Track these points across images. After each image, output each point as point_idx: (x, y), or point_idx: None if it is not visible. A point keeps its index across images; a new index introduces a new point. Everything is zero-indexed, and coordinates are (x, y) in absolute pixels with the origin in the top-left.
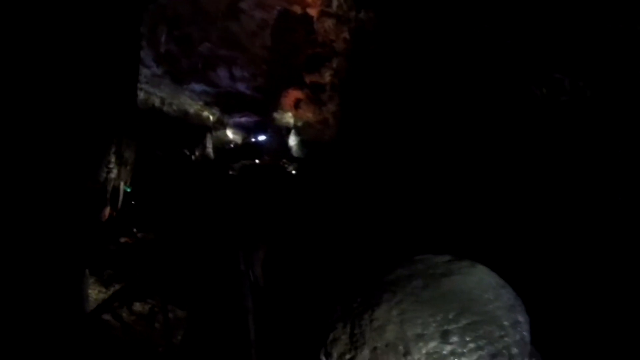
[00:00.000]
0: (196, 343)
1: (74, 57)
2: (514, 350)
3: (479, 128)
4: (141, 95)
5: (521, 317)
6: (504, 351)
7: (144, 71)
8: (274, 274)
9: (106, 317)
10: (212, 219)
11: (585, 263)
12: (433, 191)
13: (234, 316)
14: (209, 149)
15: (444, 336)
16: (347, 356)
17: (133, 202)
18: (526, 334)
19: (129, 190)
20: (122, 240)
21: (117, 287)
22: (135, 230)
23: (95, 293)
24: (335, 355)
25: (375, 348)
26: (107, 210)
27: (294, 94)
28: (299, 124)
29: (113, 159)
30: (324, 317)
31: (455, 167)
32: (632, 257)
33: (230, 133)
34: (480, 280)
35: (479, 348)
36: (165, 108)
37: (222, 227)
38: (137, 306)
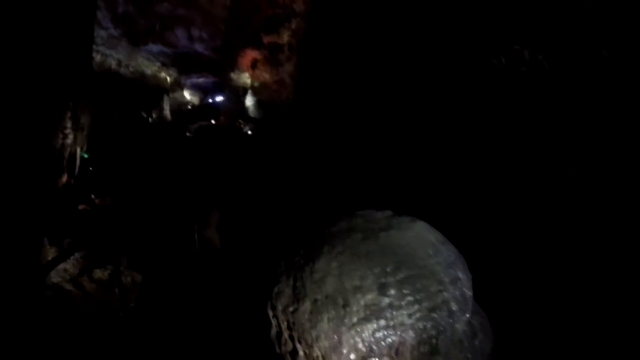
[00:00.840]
0: (152, 307)
1: (26, 20)
2: (454, 306)
3: (433, 93)
4: (97, 57)
5: (462, 274)
6: (443, 306)
7: (100, 33)
8: (229, 236)
9: (67, 286)
10: (168, 182)
11: (532, 225)
12: (384, 151)
13: (186, 280)
14: (166, 111)
15: (382, 289)
16: (290, 308)
17: (90, 169)
18: (467, 290)
19: (86, 156)
20: (80, 207)
21: (77, 255)
22: (93, 196)
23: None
24: (279, 307)
25: (315, 300)
26: (64, 178)
27: (251, 55)
28: (256, 84)
29: (69, 125)
30: (270, 272)
31: (408, 126)
32: (573, 210)
33: (187, 94)
34: (420, 236)
35: (416, 301)
36: (122, 70)
37: (177, 191)
38: (98, 273)
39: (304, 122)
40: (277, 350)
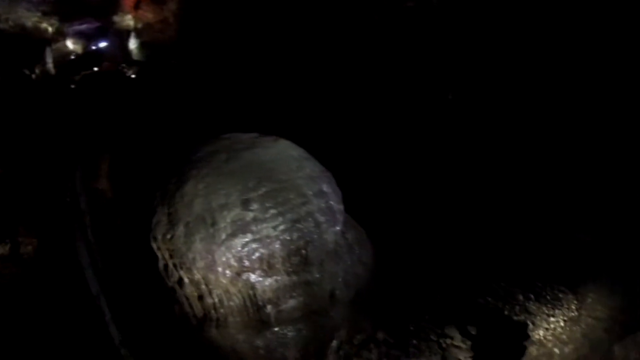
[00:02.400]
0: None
1: None
2: (320, 217)
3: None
4: None
5: (327, 188)
6: (308, 217)
7: None
8: (120, 183)
9: None
10: (52, 137)
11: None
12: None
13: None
14: (49, 64)
15: (245, 204)
16: (168, 236)
17: None
18: (334, 204)
19: None
20: None
21: None
22: None
23: None
24: (159, 237)
25: (187, 223)
26: None
27: None
28: (139, 25)
29: None
30: (148, 205)
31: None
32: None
33: (70, 43)
34: (282, 152)
35: (280, 214)
36: (1, 25)
37: (61, 144)
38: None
39: (187, 60)
40: (168, 283)
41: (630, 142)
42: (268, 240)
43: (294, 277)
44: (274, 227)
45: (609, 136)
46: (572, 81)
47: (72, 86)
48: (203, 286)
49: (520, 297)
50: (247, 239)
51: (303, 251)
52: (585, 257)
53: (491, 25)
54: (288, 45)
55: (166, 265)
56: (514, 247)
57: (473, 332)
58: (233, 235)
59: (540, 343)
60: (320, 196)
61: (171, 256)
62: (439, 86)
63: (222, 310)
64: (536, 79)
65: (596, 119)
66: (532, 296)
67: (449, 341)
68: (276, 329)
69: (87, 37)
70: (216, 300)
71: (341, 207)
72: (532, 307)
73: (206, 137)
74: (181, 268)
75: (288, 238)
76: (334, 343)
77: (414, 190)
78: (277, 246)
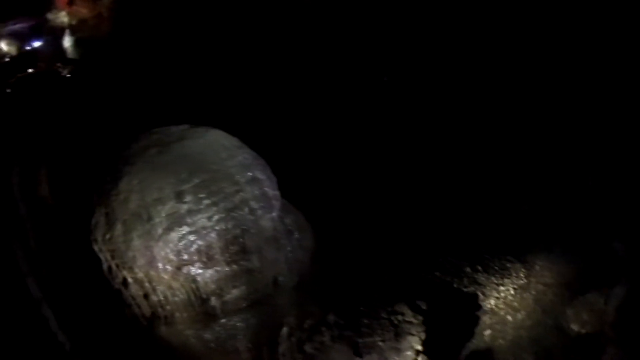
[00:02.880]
0: None
1: None
2: (255, 204)
3: None
4: None
5: (261, 175)
6: (243, 205)
7: None
8: (60, 186)
9: None
10: None
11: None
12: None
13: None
14: None
15: (179, 196)
16: (107, 236)
17: None
18: (269, 190)
19: None
20: None
21: None
22: None
23: None
24: (99, 238)
25: (125, 221)
26: None
27: None
28: (74, 22)
29: None
30: (87, 207)
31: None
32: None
33: (4, 45)
34: (214, 142)
35: (213, 204)
36: None
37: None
38: None
39: (122, 55)
40: (114, 285)
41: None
42: (204, 232)
43: (235, 267)
44: (209, 218)
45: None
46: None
47: (8, 90)
48: (147, 284)
49: (468, 270)
50: (183, 232)
51: (240, 240)
52: (530, 227)
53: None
54: (218, 37)
55: (110, 267)
56: (458, 221)
57: (423, 307)
58: (169, 229)
59: (492, 312)
60: (254, 183)
61: (113, 257)
62: (369, 66)
63: (168, 307)
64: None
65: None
66: (479, 268)
67: (400, 317)
68: (223, 320)
69: (21, 38)
70: (161, 297)
71: (277, 192)
72: (481, 278)
73: (138, 133)
74: (124, 268)
75: (224, 227)
76: (284, 330)
77: (354, 170)
78: (213, 236)
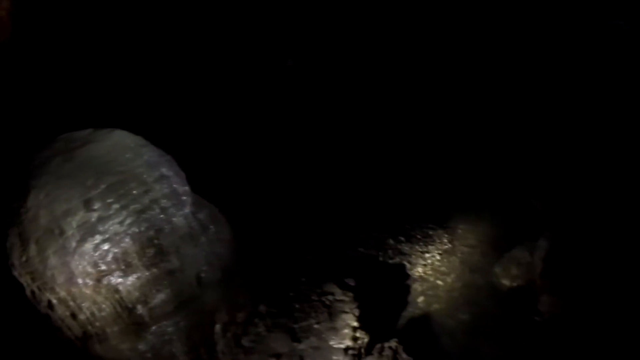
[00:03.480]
0: None
1: None
2: (166, 203)
3: None
4: None
5: (168, 171)
6: (153, 205)
7: None
8: None
9: None
10: None
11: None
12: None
13: None
14: None
15: (87, 204)
16: (23, 258)
17: None
18: (179, 186)
19: None
20: None
21: None
22: None
23: None
24: (16, 262)
25: (38, 239)
26: None
27: None
28: None
29: None
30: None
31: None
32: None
33: None
34: (118, 143)
35: (123, 208)
36: None
37: None
38: None
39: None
40: (40, 310)
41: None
42: (118, 238)
43: (154, 270)
44: (121, 223)
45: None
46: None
47: None
48: (71, 303)
49: (391, 242)
50: (97, 241)
51: (156, 241)
52: (447, 193)
53: None
54: (117, 39)
55: (32, 291)
56: (374, 195)
57: (352, 284)
58: (82, 240)
59: (422, 279)
60: (162, 181)
61: (33, 279)
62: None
63: (97, 324)
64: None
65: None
66: (402, 238)
67: (331, 297)
68: (154, 328)
69: None
70: (88, 314)
71: (186, 188)
72: (405, 248)
73: (41, 142)
74: (45, 290)
75: (137, 231)
76: (217, 327)
77: (263, 154)
78: (128, 241)
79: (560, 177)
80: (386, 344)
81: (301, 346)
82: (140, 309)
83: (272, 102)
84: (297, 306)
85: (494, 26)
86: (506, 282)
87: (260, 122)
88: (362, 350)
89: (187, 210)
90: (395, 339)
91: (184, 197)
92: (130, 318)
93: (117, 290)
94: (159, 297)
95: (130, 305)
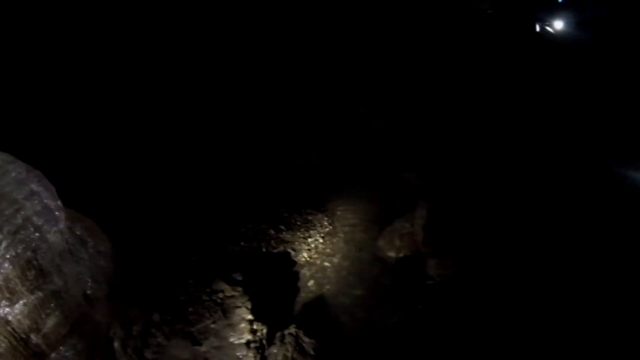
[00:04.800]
0: None
1: None
2: (38, 220)
3: None
4: None
5: (38, 187)
6: (27, 224)
7: None
8: None
9: None
10: None
11: None
12: None
13: None
14: None
15: None
16: None
17: None
18: (50, 201)
19: None
20: None
21: None
22: None
23: None
24: None
25: None
26: None
27: None
28: None
29: None
30: None
31: None
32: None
33: None
34: None
35: None
36: None
37: None
38: None
39: None
40: None
41: None
42: None
43: (39, 293)
44: None
45: None
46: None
47: None
48: None
49: (272, 232)
50: None
51: (35, 262)
52: (322, 178)
53: None
54: None
55: None
56: (246, 189)
57: (240, 278)
58: None
59: (309, 263)
60: (33, 197)
61: None
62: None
63: None
64: None
65: None
66: (283, 227)
67: (221, 295)
68: (53, 355)
69: None
70: None
71: (58, 202)
72: (287, 236)
73: None
74: None
75: (14, 254)
76: (116, 345)
77: (131, 162)
78: (7, 266)
79: (428, 150)
80: (286, 332)
81: (203, 349)
82: (34, 338)
83: (139, 106)
84: (190, 309)
85: None
86: (392, 253)
87: (127, 129)
88: (264, 342)
89: (61, 225)
90: (294, 325)
91: (57, 212)
92: (27, 350)
93: (7, 322)
94: (50, 322)
95: (24, 336)
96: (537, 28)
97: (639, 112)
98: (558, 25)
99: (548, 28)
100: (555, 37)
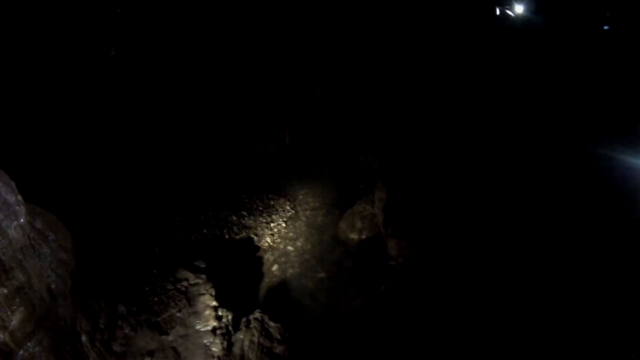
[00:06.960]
0: None
1: None
2: None
3: None
4: None
5: None
6: None
7: None
8: None
9: None
10: None
11: None
12: None
13: None
14: None
15: None
16: None
17: None
18: (9, 196)
19: None
20: None
21: None
22: None
23: None
24: None
25: None
26: None
27: None
28: None
29: None
30: None
31: None
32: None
33: None
34: None
35: None
36: None
37: None
38: None
39: None
40: None
41: None
42: None
43: (3, 289)
44: None
45: None
46: None
47: None
48: None
49: (234, 218)
50: None
51: None
52: (280, 162)
53: None
54: None
55: None
56: (205, 176)
57: (202, 266)
58: None
59: (272, 248)
60: None
61: None
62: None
63: None
64: None
65: None
66: (244, 213)
67: (185, 283)
68: (21, 352)
69: None
70: None
71: (18, 197)
72: (249, 222)
73: None
74: None
75: None
76: (84, 338)
77: (90, 155)
78: None
79: (386, 133)
80: (251, 316)
81: (170, 338)
82: (2, 336)
83: (97, 97)
84: (155, 299)
85: None
86: (354, 235)
87: (87, 123)
88: (230, 328)
89: (22, 220)
90: (259, 310)
91: (17, 207)
92: None
93: None
94: (16, 318)
95: None
96: (497, 11)
97: (603, 96)
98: (519, 8)
99: (508, 12)
100: (516, 21)
